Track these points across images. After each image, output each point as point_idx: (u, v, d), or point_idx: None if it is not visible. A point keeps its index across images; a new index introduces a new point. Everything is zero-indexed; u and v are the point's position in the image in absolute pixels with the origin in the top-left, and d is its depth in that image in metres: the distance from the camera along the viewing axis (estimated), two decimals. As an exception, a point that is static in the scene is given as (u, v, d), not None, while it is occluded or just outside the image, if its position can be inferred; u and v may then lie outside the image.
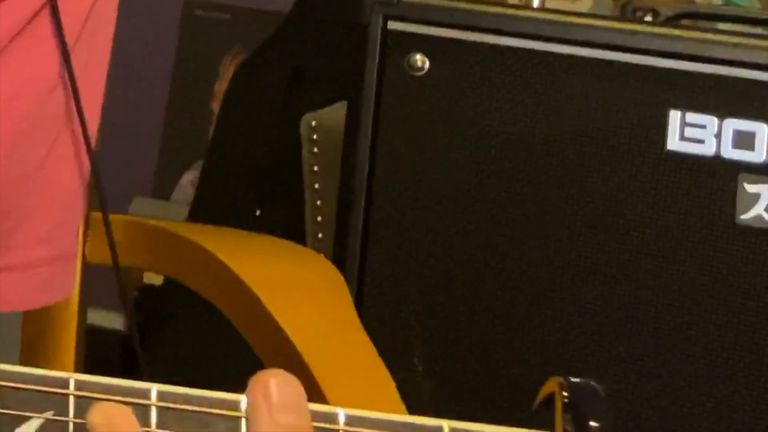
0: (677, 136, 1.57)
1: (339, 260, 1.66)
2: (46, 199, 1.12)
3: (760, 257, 1.56)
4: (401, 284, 1.70)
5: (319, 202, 1.97)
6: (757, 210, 1.54)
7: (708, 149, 1.55)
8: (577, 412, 0.66)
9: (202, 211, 2.82)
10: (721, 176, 1.56)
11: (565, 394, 0.66)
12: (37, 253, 1.10)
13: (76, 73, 1.10)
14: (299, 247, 1.69)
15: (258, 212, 2.50)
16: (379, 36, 1.68)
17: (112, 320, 3.20)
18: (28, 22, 1.11)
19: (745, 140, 1.54)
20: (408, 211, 1.70)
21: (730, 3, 2.06)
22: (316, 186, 1.98)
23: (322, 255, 1.64)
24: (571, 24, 1.65)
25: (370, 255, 1.71)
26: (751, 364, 1.60)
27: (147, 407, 0.69)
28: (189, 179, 3.34)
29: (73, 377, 0.68)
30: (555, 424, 0.66)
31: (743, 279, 1.57)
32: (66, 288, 1.17)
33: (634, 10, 1.69)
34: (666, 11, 1.68)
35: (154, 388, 0.68)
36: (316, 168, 1.99)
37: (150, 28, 3.59)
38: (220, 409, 0.67)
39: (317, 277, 1.55)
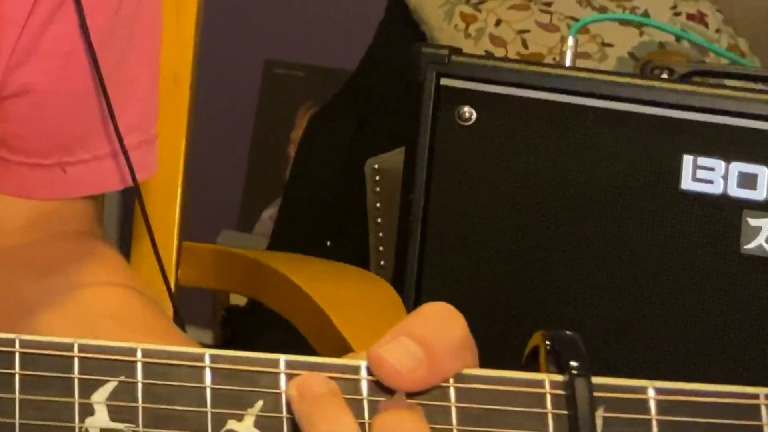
0: (690, 177, 1.55)
1: (397, 284, 1.64)
2: (130, 95, 1.16)
3: (762, 282, 1.54)
4: (450, 303, 1.64)
5: (381, 234, 2.04)
6: (759, 241, 1.52)
7: (716, 188, 1.54)
8: (558, 356, 0.67)
9: (280, 242, 2.95)
10: (727, 212, 1.54)
11: (547, 342, 0.68)
12: (129, 140, 1.14)
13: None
14: (364, 272, 1.69)
15: (328, 243, 2.67)
16: (432, 91, 1.65)
17: (202, 336, 3.32)
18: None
19: (748, 181, 1.52)
20: (457, 242, 1.68)
21: (735, 62, 2.03)
22: (379, 220, 2.05)
23: (384, 279, 1.62)
24: (598, 80, 1.63)
25: (424, 280, 1.67)
26: (753, 376, 1.56)
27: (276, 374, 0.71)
28: (269, 214, 3.36)
29: (140, 347, 0.70)
30: (540, 367, 0.68)
31: (747, 301, 1.55)
32: (153, 167, 1.20)
33: (653, 69, 1.65)
34: (680, 69, 1.65)
35: (282, 358, 0.71)
36: (378, 205, 2.05)
37: (235, 83, 3.64)
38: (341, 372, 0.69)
39: (379, 298, 1.52)
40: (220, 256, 1.66)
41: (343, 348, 1.35)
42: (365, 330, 1.39)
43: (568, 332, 0.68)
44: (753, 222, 1.53)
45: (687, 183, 1.56)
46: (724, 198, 1.54)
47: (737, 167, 1.53)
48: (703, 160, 1.55)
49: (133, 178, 1.15)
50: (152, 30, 1.24)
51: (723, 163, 1.54)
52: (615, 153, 1.60)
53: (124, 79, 1.16)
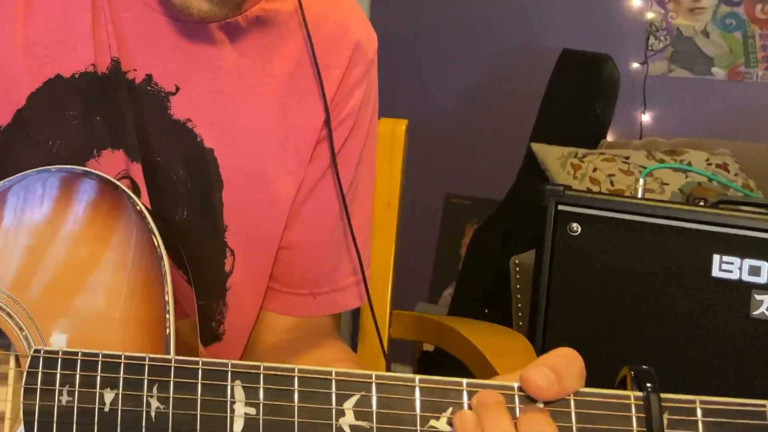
0: (717, 269, 1.54)
1: (530, 337, 1.63)
2: (350, 248, 1.12)
3: (765, 337, 1.53)
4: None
5: (519, 305, 2.05)
6: (762, 309, 1.51)
7: (734, 276, 1.53)
8: (638, 380, 0.70)
9: (456, 310, 2.94)
10: (741, 291, 1.53)
11: (632, 372, 0.70)
12: (348, 280, 1.14)
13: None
14: (508, 330, 1.64)
15: (486, 311, 2.62)
16: (552, 213, 1.66)
17: (404, 370, 3.30)
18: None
19: (755, 270, 1.52)
20: (569, 310, 1.66)
21: (746, 195, 2.02)
22: (518, 296, 2.05)
23: (521, 335, 1.58)
24: (659, 206, 1.60)
25: (547, 334, 1.67)
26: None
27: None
28: (448, 292, 3.28)
29: (374, 373, 0.74)
30: (627, 387, 0.70)
31: (754, 348, 1.53)
32: (363, 298, 1.15)
33: (694, 199, 1.62)
34: (711, 199, 1.62)
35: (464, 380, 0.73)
36: (518, 286, 2.05)
37: (425, 207, 3.55)
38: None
39: (518, 346, 1.50)
40: (418, 319, 1.64)
41: (491, 373, 1.36)
42: (509, 366, 1.35)
43: (645, 366, 0.70)
44: (758, 297, 1.52)
45: (716, 272, 1.55)
46: (740, 282, 1.54)
47: (748, 262, 1.53)
48: (726, 258, 1.55)
49: (369, 300, 1.14)
50: (372, 174, 1.19)
51: (739, 260, 1.54)
52: (669, 253, 1.58)
53: (357, 224, 1.12)
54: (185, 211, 1.00)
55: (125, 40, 0.96)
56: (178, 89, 0.98)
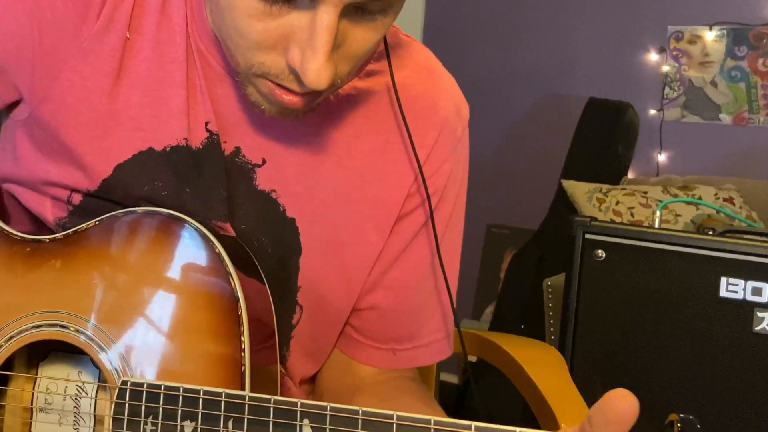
0: (725, 289, 1.53)
1: (561, 349, 1.63)
2: (436, 307, 1.05)
3: (765, 350, 1.52)
4: (592, 363, 1.63)
5: (551, 321, 2.02)
6: (763, 325, 1.51)
7: (739, 296, 1.52)
8: (684, 427, 0.66)
9: (496, 325, 2.92)
10: (745, 308, 1.52)
11: (678, 424, 0.66)
12: (431, 337, 1.06)
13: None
14: (542, 343, 1.62)
15: (522, 326, 2.62)
16: (580, 241, 1.64)
17: (451, 378, 3.31)
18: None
19: (757, 291, 1.51)
20: (595, 325, 1.64)
21: (749, 225, 2.00)
22: (550, 314, 2.02)
23: (553, 347, 1.57)
24: (674, 235, 1.59)
25: (576, 347, 1.65)
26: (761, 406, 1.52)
27: None
28: (489, 309, 3.23)
29: (434, 418, 0.68)
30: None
31: (756, 359, 1.53)
32: (443, 353, 1.08)
33: (704, 229, 1.61)
34: (719, 229, 1.60)
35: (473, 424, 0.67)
36: (550, 305, 2.02)
37: (468, 237, 3.26)
38: None
39: (550, 357, 1.49)
40: (462, 333, 1.41)
41: (531, 386, 1.35)
42: (543, 373, 1.37)
43: (691, 417, 0.66)
44: (760, 314, 1.52)
45: (723, 292, 1.54)
46: (744, 301, 1.53)
47: (751, 284, 1.52)
48: (731, 280, 1.53)
49: (463, 348, 1.10)
50: (457, 244, 1.08)
51: (743, 282, 1.53)
52: (683, 275, 1.57)
53: (440, 286, 1.05)
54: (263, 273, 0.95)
55: (218, 115, 0.92)
56: (264, 162, 0.94)
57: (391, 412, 0.70)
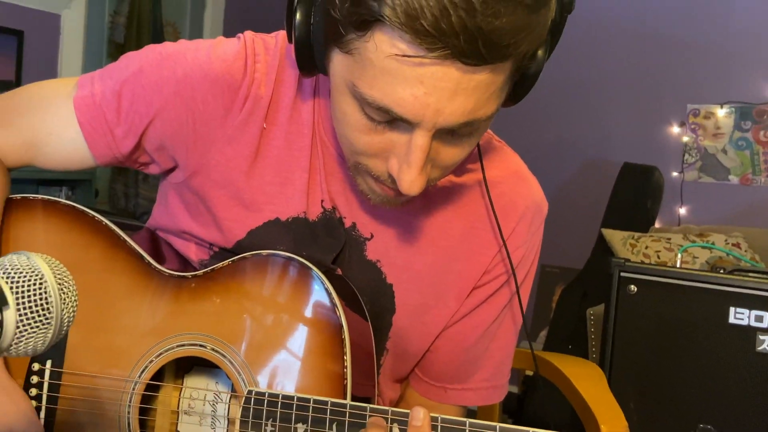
0: (733, 317, 1.50)
1: (602, 366, 1.59)
2: (490, 361, 1.00)
3: (766, 368, 1.49)
4: (626, 377, 1.58)
5: (593, 343, 1.95)
6: (764, 345, 1.48)
7: (744, 322, 1.49)
8: None
9: (549, 346, 2.84)
10: (749, 333, 1.50)
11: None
12: (482, 384, 1.01)
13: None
14: (585, 360, 1.58)
15: (570, 347, 2.55)
16: (617, 278, 1.60)
17: (512, 388, 2.89)
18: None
19: (759, 318, 1.49)
20: (630, 347, 1.60)
21: (754, 265, 1.94)
22: (592, 337, 1.96)
23: (595, 364, 1.54)
24: (691, 273, 1.56)
25: (614, 365, 1.61)
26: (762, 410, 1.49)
27: None
28: (544, 333, 3.07)
29: (499, 425, 0.67)
30: None
31: (758, 378, 1.49)
32: (487, 400, 1.01)
33: (716, 268, 1.61)
34: (729, 268, 1.59)
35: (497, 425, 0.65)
36: (592, 330, 1.96)
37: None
38: None
39: (592, 372, 1.46)
40: (522, 353, 1.48)
41: (578, 397, 1.32)
42: (586, 385, 1.35)
43: (709, 426, 0.61)
44: (761, 337, 1.49)
45: (731, 320, 1.52)
46: (748, 327, 1.50)
47: (754, 312, 1.50)
48: (738, 309, 1.51)
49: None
50: (516, 321, 1.02)
51: (748, 311, 1.51)
52: (699, 306, 1.55)
53: (498, 344, 1.00)
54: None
55: (336, 195, 0.90)
56: (372, 236, 0.92)
57: (463, 419, 0.69)
